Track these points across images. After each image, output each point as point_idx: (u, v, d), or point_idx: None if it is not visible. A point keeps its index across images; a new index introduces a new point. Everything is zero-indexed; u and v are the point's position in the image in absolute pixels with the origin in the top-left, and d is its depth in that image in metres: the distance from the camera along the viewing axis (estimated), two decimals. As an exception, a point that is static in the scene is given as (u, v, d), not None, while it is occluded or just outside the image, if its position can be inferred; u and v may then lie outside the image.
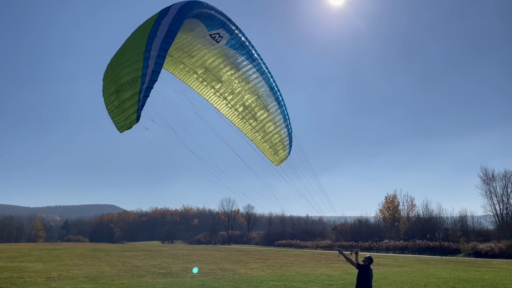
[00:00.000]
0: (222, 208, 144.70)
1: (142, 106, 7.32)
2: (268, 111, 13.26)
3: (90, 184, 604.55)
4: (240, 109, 13.08)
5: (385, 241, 74.55)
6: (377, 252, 68.54)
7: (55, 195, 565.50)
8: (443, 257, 55.27)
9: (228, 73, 12.25)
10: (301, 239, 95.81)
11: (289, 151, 14.42)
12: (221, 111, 13.14)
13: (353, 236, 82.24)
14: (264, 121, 13.44)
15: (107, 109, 8.09)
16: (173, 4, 9.13)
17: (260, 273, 30.38)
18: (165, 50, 8.06)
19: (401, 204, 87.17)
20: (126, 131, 7.76)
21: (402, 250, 69.22)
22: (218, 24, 10.85)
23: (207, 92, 12.71)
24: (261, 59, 12.39)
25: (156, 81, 7.62)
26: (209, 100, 12.90)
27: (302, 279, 26.29)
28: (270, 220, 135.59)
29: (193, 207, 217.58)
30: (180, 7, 8.96)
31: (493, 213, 68.05)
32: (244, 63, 12.12)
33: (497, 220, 67.34)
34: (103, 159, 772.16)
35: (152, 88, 7.52)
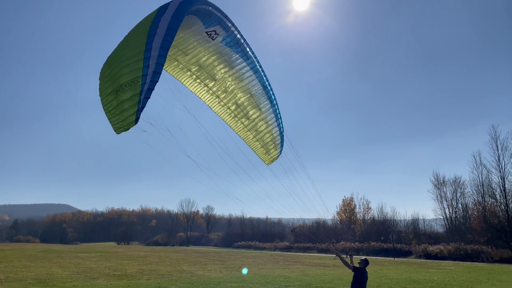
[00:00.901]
0: (181, 209, 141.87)
1: (143, 107, 7.08)
2: (260, 110, 13.15)
3: (43, 182, 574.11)
4: (233, 107, 12.93)
5: (341, 242, 76.27)
6: (333, 254, 69.90)
7: (4, 193, 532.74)
8: (396, 258, 57.34)
9: (222, 71, 12.07)
10: (261, 240, 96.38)
11: (281, 150, 14.38)
12: (213, 109, 12.95)
13: (311, 238, 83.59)
14: (256, 120, 13.32)
15: (104, 109, 7.74)
16: (171, 1, 8.82)
17: (218, 274, 30.24)
18: (166, 50, 7.79)
19: (357, 207, 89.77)
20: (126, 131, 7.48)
21: (358, 251, 71.00)
22: (215, 21, 10.64)
23: (200, 90, 12.50)
24: (255, 57, 12.25)
25: (157, 82, 7.35)
26: (202, 98, 12.68)
27: (260, 281, 26.41)
28: (230, 222, 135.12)
29: (151, 208, 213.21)
30: (180, 4, 8.68)
31: (443, 216, 71.46)
32: (238, 61, 11.97)
33: (447, 223, 70.76)
34: (56, 156, 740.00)
35: (154, 89, 7.27)
